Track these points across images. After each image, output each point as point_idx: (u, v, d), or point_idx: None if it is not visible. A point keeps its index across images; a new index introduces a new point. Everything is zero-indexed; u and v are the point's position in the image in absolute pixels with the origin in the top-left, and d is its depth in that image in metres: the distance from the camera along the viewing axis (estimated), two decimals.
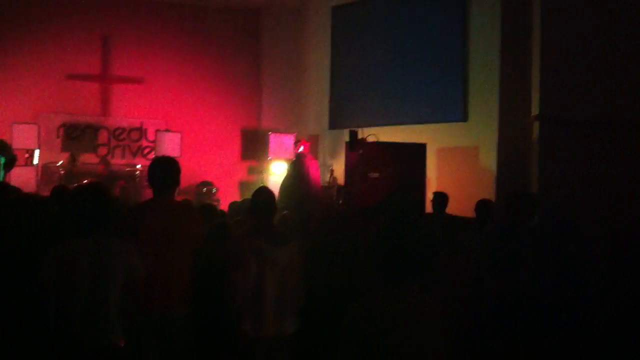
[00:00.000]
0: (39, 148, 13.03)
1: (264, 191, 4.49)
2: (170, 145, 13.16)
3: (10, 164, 9.69)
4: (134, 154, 14.23)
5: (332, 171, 12.82)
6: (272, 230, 4.36)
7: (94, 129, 14.12)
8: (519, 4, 10.21)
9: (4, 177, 10.07)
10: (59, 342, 3.51)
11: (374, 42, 12.69)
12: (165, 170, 4.37)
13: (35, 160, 12.95)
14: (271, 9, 14.92)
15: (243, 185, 14.04)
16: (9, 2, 13.72)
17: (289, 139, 13.47)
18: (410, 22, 12.02)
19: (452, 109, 11.10)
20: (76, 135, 13.97)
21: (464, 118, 10.92)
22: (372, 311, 2.83)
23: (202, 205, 6.06)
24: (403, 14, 12.19)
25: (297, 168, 10.81)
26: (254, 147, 14.43)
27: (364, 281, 2.97)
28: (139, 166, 13.17)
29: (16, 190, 4.99)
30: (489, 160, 10.34)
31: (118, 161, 13.76)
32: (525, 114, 9.97)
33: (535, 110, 9.78)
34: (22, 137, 11.96)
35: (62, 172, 12.66)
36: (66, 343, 3.51)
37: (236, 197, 12.20)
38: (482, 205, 6.93)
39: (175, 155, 12.42)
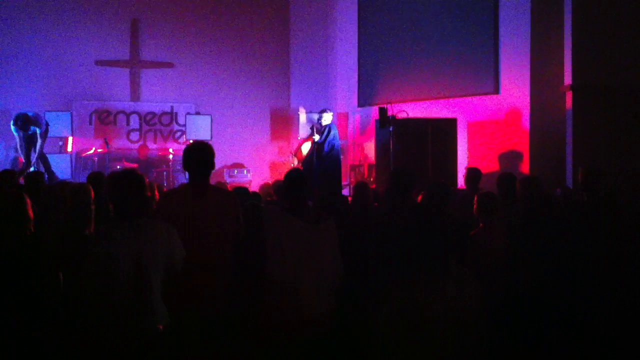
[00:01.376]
0: (72, 135, 13.23)
1: (297, 172, 4.51)
2: (200, 128, 13.25)
3: (46, 133, 9.88)
4: (166, 138, 14.35)
5: (361, 149, 12.80)
6: (306, 210, 4.37)
7: (126, 115, 14.27)
8: None
9: (43, 146, 10.28)
10: (101, 325, 3.59)
11: (401, 17, 12.56)
12: (200, 155, 4.40)
13: (69, 148, 13.15)
14: None
15: (273, 166, 14.10)
16: None
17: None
18: None
19: (484, 82, 10.95)
20: (109, 122, 14.14)
21: (496, 90, 10.77)
22: (412, 297, 2.83)
23: (234, 188, 6.10)
24: None
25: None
26: (283, 127, 14.44)
27: (401, 266, 2.95)
28: (171, 150, 13.27)
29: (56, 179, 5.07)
30: (522, 132, 10.21)
31: (150, 145, 13.89)
32: (557, 85, 9.81)
33: (567, 80, 9.62)
34: (55, 125, 12.11)
35: (96, 158, 12.83)
36: (108, 326, 3.59)
37: (267, 178, 12.28)
38: (506, 180, 6.82)
39: (206, 138, 12.53)
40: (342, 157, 11.27)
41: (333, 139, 10.70)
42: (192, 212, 4.21)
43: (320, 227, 4.25)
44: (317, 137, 10.70)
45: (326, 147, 10.61)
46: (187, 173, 4.49)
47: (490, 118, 10.77)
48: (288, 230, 4.16)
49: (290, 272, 4.12)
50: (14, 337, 3.47)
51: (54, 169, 11.17)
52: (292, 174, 4.45)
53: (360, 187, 6.35)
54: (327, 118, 10.91)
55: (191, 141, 12.46)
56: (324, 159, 10.61)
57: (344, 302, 4.37)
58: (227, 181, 12.00)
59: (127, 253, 3.60)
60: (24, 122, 10.37)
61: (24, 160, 10.67)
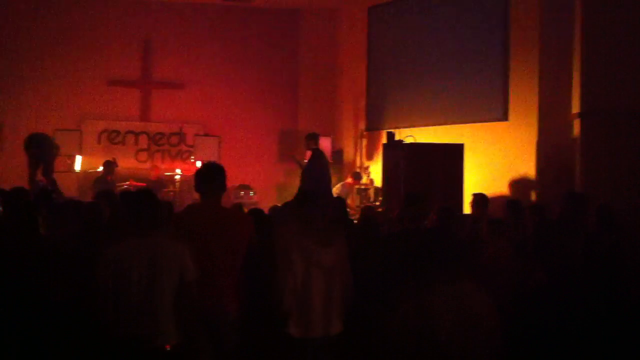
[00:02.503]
0: (80, 154, 13.28)
1: (308, 193, 4.52)
2: (208, 150, 13.29)
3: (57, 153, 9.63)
4: (174, 159, 14.39)
5: (369, 172, 12.82)
6: (318, 230, 4.37)
7: (135, 134, 14.34)
8: (559, 0, 10.08)
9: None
10: (115, 341, 3.59)
11: (411, 42, 12.64)
12: (212, 176, 4.44)
13: (77, 167, 13.19)
14: (308, 10, 14.97)
15: (280, 188, 14.10)
16: (51, 11, 14.04)
17: (327, 141, 13.49)
18: (448, 20, 11.93)
19: (493, 108, 10.98)
20: (117, 141, 14.21)
21: (505, 117, 10.79)
22: (424, 309, 2.85)
23: (250, 210, 6.12)
24: (441, 12, 12.10)
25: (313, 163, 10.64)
26: (291, 149, 14.48)
27: (412, 280, 3.00)
28: (178, 171, 13.30)
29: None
30: (529, 159, 10.20)
31: (158, 165, 13.92)
32: (566, 112, 9.83)
33: (575, 108, 9.64)
34: (64, 143, 12.15)
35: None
36: (121, 342, 3.59)
37: (274, 199, 12.27)
38: (513, 206, 6.87)
39: (214, 159, 12.55)
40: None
41: (312, 167, 10.56)
42: (206, 231, 4.23)
43: (331, 248, 4.25)
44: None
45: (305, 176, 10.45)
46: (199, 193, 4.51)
47: (498, 144, 10.77)
48: (299, 251, 4.16)
49: (298, 293, 4.11)
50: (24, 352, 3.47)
51: (60, 187, 11.19)
52: (303, 194, 4.46)
53: (366, 211, 6.38)
54: (312, 143, 10.81)
55: (199, 163, 12.52)
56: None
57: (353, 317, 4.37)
58: (233, 202, 12.00)
59: (140, 270, 3.61)
60: (41, 141, 10.38)
61: (46, 180, 10.61)
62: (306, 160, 10.75)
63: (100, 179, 12.03)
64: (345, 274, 4.27)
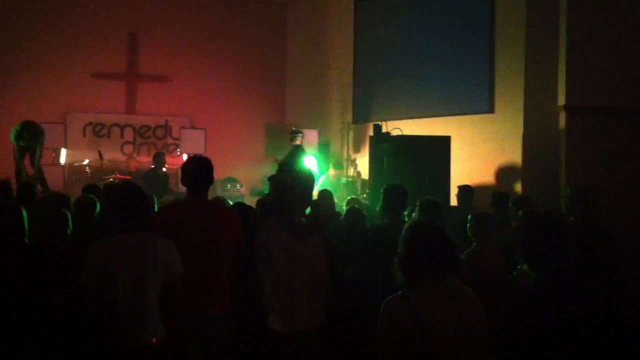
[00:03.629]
0: (65, 147, 13.18)
1: (285, 186, 4.49)
2: (194, 142, 13.24)
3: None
4: (159, 152, 14.31)
5: (355, 165, 12.83)
6: (295, 223, 4.36)
7: (120, 127, 14.25)
8: None
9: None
10: (101, 337, 3.57)
11: (397, 35, 12.63)
12: (199, 169, 4.41)
13: (62, 160, 13.09)
14: (295, 3, 14.92)
15: (267, 181, 14.06)
16: (35, 4, 13.89)
17: (313, 134, 13.48)
18: (434, 13, 11.93)
19: (478, 101, 11.01)
20: (103, 134, 14.12)
21: (491, 109, 10.82)
22: (412, 304, 2.85)
23: (235, 204, 6.09)
24: (427, 5, 12.11)
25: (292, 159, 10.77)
26: (278, 142, 14.45)
27: (400, 275, 2.99)
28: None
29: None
30: (515, 152, 10.25)
31: (144, 159, 13.84)
32: (551, 105, 9.88)
33: (561, 101, 9.69)
34: (49, 136, 12.04)
35: (89, 170, 12.78)
36: (108, 338, 3.57)
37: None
38: (500, 197, 6.89)
39: (200, 151, 12.52)
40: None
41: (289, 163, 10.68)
42: (192, 227, 4.20)
43: (308, 240, 4.24)
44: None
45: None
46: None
47: (484, 137, 10.81)
48: (278, 244, 4.14)
49: (280, 286, 4.10)
50: (13, 346, 3.44)
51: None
52: (280, 188, 4.43)
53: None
54: (297, 139, 10.93)
55: (184, 156, 12.46)
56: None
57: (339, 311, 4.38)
58: (221, 195, 11.96)
59: (126, 267, 3.59)
60: (35, 131, 10.26)
61: (34, 171, 10.49)
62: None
63: (150, 172, 11.86)
64: (324, 267, 4.26)
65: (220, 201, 5.66)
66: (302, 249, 4.17)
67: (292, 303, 4.10)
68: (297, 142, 11.04)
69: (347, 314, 4.71)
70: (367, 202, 9.35)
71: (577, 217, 5.36)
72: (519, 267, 3.81)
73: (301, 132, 11.29)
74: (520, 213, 5.61)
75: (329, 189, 8.92)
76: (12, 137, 10.30)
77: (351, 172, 12.90)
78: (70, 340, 3.83)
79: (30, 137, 10.18)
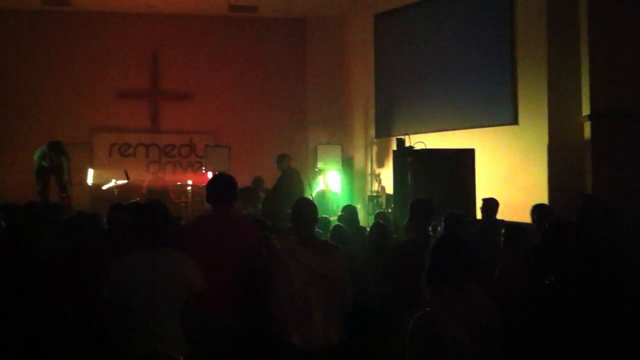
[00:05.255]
0: (92, 167, 13.35)
1: (305, 201, 4.50)
2: (219, 160, 13.32)
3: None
4: (185, 170, 14.45)
5: (379, 180, 12.80)
6: (315, 240, 4.37)
7: (146, 147, 14.41)
8: (565, 2, 10.04)
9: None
10: (119, 352, 3.59)
11: (418, 48, 12.63)
12: (222, 187, 4.47)
13: (89, 180, 13.25)
14: (315, 19, 15.00)
15: None
16: (60, 26, 14.16)
17: (336, 150, 13.51)
18: (455, 25, 11.91)
19: (501, 112, 10.93)
20: (129, 154, 14.28)
21: (514, 121, 10.74)
22: (440, 320, 2.85)
23: (254, 220, 6.10)
24: (447, 18, 12.09)
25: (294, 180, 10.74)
26: (301, 158, 14.49)
27: (427, 288, 3.02)
28: (189, 182, 13.35)
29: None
30: (540, 163, 10.15)
31: (169, 177, 13.99)
32: (575, 114, 9.79)
33: (585, 110, 9.60)
34: (76, 157, 12.24)
35: (116, 190, 12.92)
36: (125, 353, 3.59)
37: None
38: (541, 211, 6.74)
39: (224, 169, 12.60)
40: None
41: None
42: (214, 244, 4.23)
43: (328, 257, 4.23)
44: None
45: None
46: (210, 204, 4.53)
47: (508, 148, 10.73)
48: (296, 260, 4.15)
49: (298, 302, 4.10)
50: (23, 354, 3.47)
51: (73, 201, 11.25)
52: (300, 203, 4.44)
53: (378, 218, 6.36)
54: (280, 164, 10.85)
55: (209, 174, 12.55)
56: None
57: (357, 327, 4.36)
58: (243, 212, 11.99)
59: (144, 281, 3.62)
60: (59, 149, 10.34)
61: (63, 192, 10.57)
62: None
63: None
64: (344, 284, 4.25)
65: (243, 218, 5.68)
66: (321, 265, 4.17)
67: (309, 318, 4.10)
68: (285, 167, 10.92)
69: (370, 329, 4.68)
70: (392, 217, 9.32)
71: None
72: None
73: (287, 156, 11.09)
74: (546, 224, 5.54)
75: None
76: (36, 156, 10.39)
77: (375, 186, 12.88)
78: (81, 349, 3.85)
79: (56, 156, 10.27)
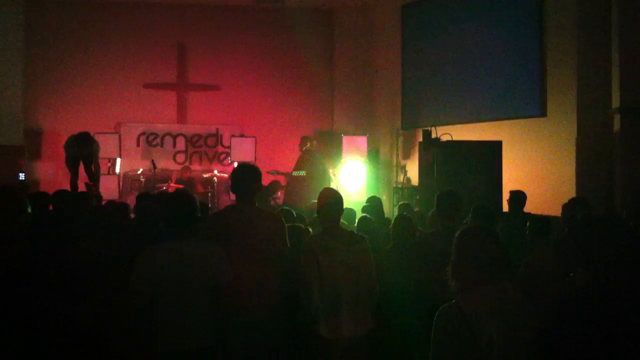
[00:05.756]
0: (120, 157, 13.50)
1: (330, 192, 4.51)
2: (245, 150, 13.38)
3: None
4: (211, 160, 14.55)
5: (405, 172, 12.76)
6: (341, 230, 4.38)
7: (173, 136, 14.52)
8: None
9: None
10: (149, 342, 3.64)
11: (445, 39, 12.54)
12: (247, 177, 4.47)
13: (117, 169, 13.41)
14: (341, 9, 14.96)
15: None
16: (88, 18, 14.30)
17: (362, 141, 13.50)
18: (483, 15, 11.80)
19: (530, 104, 10.82)
20: (156, 143, 14.41)
21: (543, 113, 10.63)
22: (465, 312, 2.83)
23: (280, 210, 6.14)
24: (475, 8, 11.98)
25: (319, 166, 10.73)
26: (327, 149, 14.49)
27: (452, 281, 2.97)
28: (215, 172, 13.43)
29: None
30: (568, 156, 10.03)
31: (196, 167, 14.09)
32: (605, 107, 9.65)
33: (615, 102, 9.46)
34: (104, 146, 12.35)
35: (143, 179, 13.05)
36: (155, 343, 3.63)
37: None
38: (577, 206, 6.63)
39: (250, 159, 12.67)
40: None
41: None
42: (240, 233, 4.26)
43: (355, 248, 4.25)
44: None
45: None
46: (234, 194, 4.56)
47: (536, 141, 10.63)
48: (323, 251, 4.16)
49: (327, 294, 4.12)
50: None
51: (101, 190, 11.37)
52: (325, 194, 4.45)
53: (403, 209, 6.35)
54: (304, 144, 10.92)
55: (235, 164, 12.60)
56: None
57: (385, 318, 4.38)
58: (270, 202, 12.06)
59: (173, 272, 3.65)
60: (87, 139, 10.45)
61: (92, 181, 10.70)
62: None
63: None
64: (371, 275, 4.27)
65: (268, 209, 5.71)
66: (349, 257, 4.19)
67: (338, 310, 4.12)
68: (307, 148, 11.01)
69: (396, 321, 4.69)
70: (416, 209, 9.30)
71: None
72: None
73: (311, 137, 11.24)
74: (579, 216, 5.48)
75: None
76: (65, 145, 10.51)
77: (401, 178, 12.84)
78: (116, 343, 3.91)
79: (83, 146, 10.36)
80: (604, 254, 2.94)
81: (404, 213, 6.56)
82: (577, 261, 3.09)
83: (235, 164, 13.17)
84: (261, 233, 4.33)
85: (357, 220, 6.39)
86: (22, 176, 12.26)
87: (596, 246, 2.97)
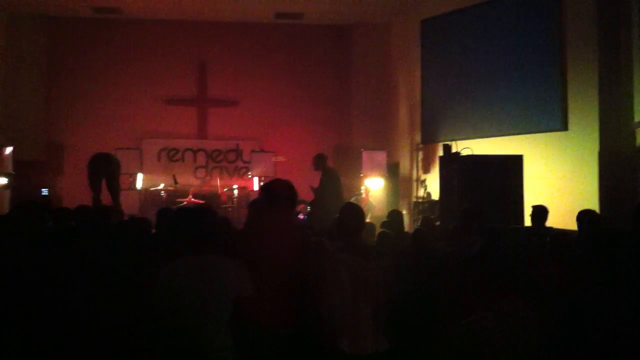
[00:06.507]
0: (141, 172, 13.61)
1: (351, 208, 4.49)
2: (264, 165, 13.43)
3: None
4: (231, 175, 14.62)
5: (425, 186, 12.72)
6: (362, 246, 4.36)
7: (193, 152, 14.63)
8: (616, 6, 9.82)
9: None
10: (166, 356, 3.63)
11: (465, 53, 12.51)
12: (287, 191, 4.55)
13: (139, 185, 13.51)
14: (360, 25, 15.01)
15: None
16: (110, 35, 14.50)
17: (382, 155, 13.48)
18: (502, 29, 11.75)
19: (551, 118, 10.73)
20: (177, 159, 14.51)
21: (564, 127, 10.53)
22: (486, 327, 2.82)
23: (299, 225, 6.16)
24: (495, 22, 11.93)
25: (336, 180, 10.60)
26: (346, 164, 14.48)
27: (461, 298, 2.98)
28: (235, 186, 13.48)
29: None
30: (591, 170, 9.92)
31: (216, 182, 14.15)
32: (628, 120, 9.55)
33: (637, 116, 9.36)
34: (125, 162, 12.48)
35: (164, 194, 13.13)
36: (173, 357, 3.62)
37: None
38: (586, 217, 6.61)
39: (270, 174, 12.72)
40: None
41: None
42: (266, 250, 4.28)
43: (377, 263, 4.22)
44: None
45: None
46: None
47: (558, 155, 10.53)
48: (345, 266, 4.14)
49: (349, 309, 4.09)
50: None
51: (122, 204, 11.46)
52: (346, 210, 4.43)
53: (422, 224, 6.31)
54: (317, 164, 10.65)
55: (255, 179, 12.65)
56: None
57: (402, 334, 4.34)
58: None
59: (191, 287, 3.64)
60: (108, 159, 10.74)
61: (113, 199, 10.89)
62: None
63: None
64: (391, 290, 4.23)
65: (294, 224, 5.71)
66: (370, 272, 4.16)
67: (359, 325, 4.09)
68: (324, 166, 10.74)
69: (416, 336, 4.64)
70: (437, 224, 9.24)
71: None
72: None
73: (325, 156, 10.89)
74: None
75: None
76: (88, 164, 10.75)
77: (421, 192, 12.80)
78: (134, 355, 3.91)
79: (105, 166, 10.67)
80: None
81: (424, 228, 6.54)
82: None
83: (255, 179, 13.25)
84: (287, 250, 4.34)
85: (376, 235, 6.36)
86: (45, 191, 12.40)
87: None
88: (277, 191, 4.54)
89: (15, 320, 3.62)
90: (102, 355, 3.54)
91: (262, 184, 4.83)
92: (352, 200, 11.89)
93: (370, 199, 13.06)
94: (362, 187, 13.24)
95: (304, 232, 4.68)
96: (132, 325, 3.88)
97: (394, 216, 7.75)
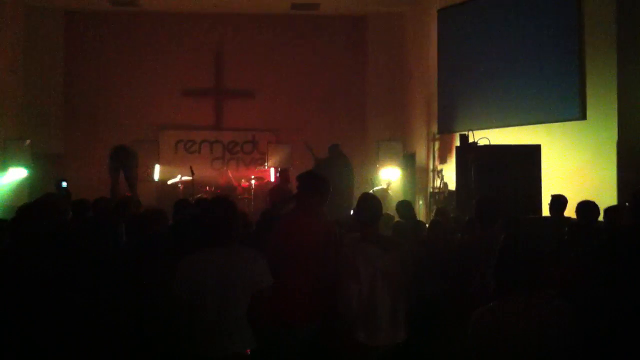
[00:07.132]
0: (158, 164, 13.69)
1: (370, 197, 4.49)
2: (281, 157, 13.46)
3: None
4: (247, 166, 14.66)
5: (442, 177, 12.67)
6: (379, 236, 4.35)
7: (210, 143, 14.69)
8: None
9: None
10: (189, 349, 3.66)
11: (482, 42, 12.41)
12: (320, 185, 4.58)
13: (156, 176, 13.59)
14: (376, 15, 14.95)
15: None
16: (128, 25, 14.57)
17: (397, 146, 13.45)
18: (520, 18, 11.64)
19: (569, 107, 10.63)
20: (193, 150, 14.58)
21: (582, 116, 10.44)
22: (500, 317, 2.81)
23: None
24: (512, 10, 11.83)
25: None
26: (362, 154, 14.48)
27: (493, 285, 2.97)
28: (252, 177, 13.51)
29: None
30: (609, 159, 9.83)
31: (233, 173, 14.21)
32: None
33: None
34: (143, 154, 12.54)
35: (181, 186, 13.20)
36: (195, 350, 3.65)
37: None
38: (586, 208, 6.54)
39: (286, 166, 12.73)
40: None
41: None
42: (302, 240, 4.33)
43: (394, 255, 4.22)
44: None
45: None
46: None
47: (576, 145, 10.44)
48: (362, 257, 4.15)
49: (365, 300, 4.10)
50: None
51: (140, 196, 11.54)
52: (363, 200, 4.43)
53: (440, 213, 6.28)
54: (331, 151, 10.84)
55: (272, 171, 12.66)
56: None
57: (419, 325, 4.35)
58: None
59: (214, 279, 3.66)
60: (125, 151, 10.96)
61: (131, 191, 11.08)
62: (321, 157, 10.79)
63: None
64: (408, 281, 4.23)
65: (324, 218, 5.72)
66: (388, 264, 4.16)
67: (376, 316, 4.10)
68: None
69: (433, 326, 4.65)
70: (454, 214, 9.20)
71: None
72: None
73: (338, 145, 11.14)
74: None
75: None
76: (109, 156, 10.98)
77: (437, 183, 12.75)
78: (155, 350, 3.95)
79: (123, 158, 10.87)
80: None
81: (440, 218, 6.52)
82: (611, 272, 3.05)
83: (272, 171, 13.27)
84: (320, 241, 4.38)
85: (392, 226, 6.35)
86: (64, 184, 12.50)
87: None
88: (315, 184, 4.56)
89: (21, 319, 3.66)
90: (121, 343, 3.58)
91: (297, 175, 4.79)
92: (376, 190, 11.93)
93: (389, 191, 13.05)
94: (384, 180, 13.18)
95: (333, 225, 4.67)
96: (149, 319, 3.91)
97: (404, 205, 7.61)
